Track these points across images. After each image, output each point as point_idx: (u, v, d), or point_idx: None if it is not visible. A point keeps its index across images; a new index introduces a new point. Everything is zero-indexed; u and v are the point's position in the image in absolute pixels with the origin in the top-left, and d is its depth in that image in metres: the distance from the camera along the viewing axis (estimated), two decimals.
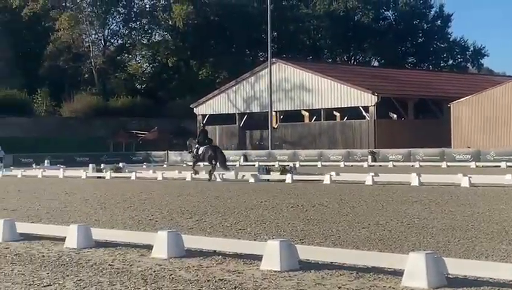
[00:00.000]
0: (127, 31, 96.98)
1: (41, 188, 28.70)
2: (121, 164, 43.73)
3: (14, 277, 8.99)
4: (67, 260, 10.28)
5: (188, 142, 34.18)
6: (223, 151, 33.39)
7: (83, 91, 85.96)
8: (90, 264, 9.83)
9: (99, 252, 10.92)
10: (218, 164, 31.30)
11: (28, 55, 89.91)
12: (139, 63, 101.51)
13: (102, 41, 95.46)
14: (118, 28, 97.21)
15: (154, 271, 9.24)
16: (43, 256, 10.69)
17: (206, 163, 32.21)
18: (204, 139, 32.76)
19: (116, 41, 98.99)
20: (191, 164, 35.25)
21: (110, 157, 64.30)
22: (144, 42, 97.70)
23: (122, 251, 11.06)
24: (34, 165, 54.37)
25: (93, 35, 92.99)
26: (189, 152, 34.09)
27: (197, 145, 32.05)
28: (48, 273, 9.16)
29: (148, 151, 70.18)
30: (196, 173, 32.22)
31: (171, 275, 8.98)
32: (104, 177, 37.25)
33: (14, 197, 23.59)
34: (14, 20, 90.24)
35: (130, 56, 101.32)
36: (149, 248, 10.80)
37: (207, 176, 31.25)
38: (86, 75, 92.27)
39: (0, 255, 10.86)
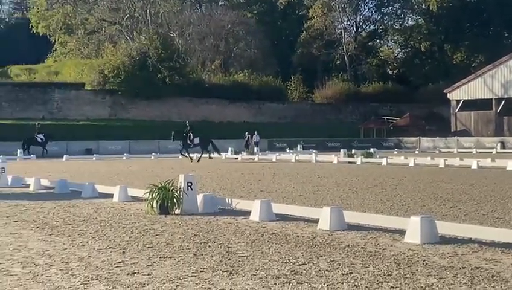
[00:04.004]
0: (379, 17, 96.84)
1: (295, 171, 29.55)
2: (372, 150, 43.80)
3: (271, 254, 9.31)
4: (321, 241, 10.46)
5: (173, 133, 40.71)
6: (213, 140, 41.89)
7: (335, 77, 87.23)
8: (343, 246, 9.91)
9: (351, 235, 10.98)
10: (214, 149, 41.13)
11: (283, 43, 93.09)
12: (391, 48, 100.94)
13: (354, 28, 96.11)
14: (370, 14, 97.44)
15: (407, 256, 9.09)
16: (298, 236, 10.96)
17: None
18: (193, 133, 40.25)
19: (368, 27, 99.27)
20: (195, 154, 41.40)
21: (361, 143, 64.77)
22: (396, 27, 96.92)
23: (374, 234, 11.03)
24: (287, 150, 56.24)
25: (345, 22, 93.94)
26: (173, 141, 41.24)
27: (192, 138, 39.83)
28: (302, 253, 9.37)
29: (400, 138, 69.67)
30: (191, 159, 39.76)
31: (425, 260, 8.78)
32: (355, 163, 37.56)
33: (270, 179, 24.51)
34: (270, 10, 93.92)
35: (382, 41, 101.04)
36: (401, 232, 10.67)
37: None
38: (338, 62, 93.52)
39: (258, 233, 11.32)
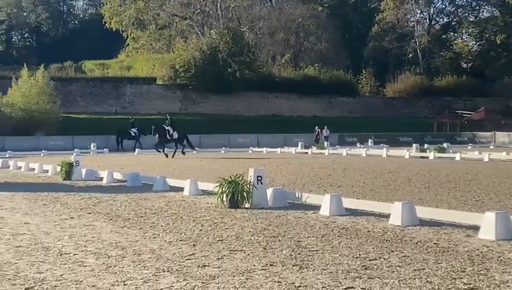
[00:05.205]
0: (453, 9, 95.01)
1: (365, 166, 29.27)
2: (445, 144, 43.10)
3: (341, 249, 9.23)
4: (392, 236, 10.32)
5: (153, 127, 38.94)
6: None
7: (407, 71, 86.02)
8: (415, 242, 9.76)
9: (423, 231, 10.81)
10: (188, 145, 39.37)
11: (354, 36, 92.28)
12: (465, 41, 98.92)
13: (427, 20, 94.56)
14: (443, 6, 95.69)
15: (481, 252, 8.88)
16: (368, 231, 10.85)
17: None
18: (173, 127, 38.71)
19: (441, 19, 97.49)
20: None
21: (434, 137, 63.76)
22: (471, 19, 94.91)
23: (447, 230, 10.83)
24: (358, 144, 55.81)
25: (418, 15, 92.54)
26: (154, 134, 38.86)
27: (171, 133, 38.23)
28: (373, 248, 9.26)
29: (474, 132, 68.28)
30: (167, 155, 37.90)
31: (500, 257, 8.57)
32: (427, 158, 36.98)
33: (340, 174, 24.35)
34: (341, 3, 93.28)
35: (456, 34, 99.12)
36: (475, 228, 10.46)
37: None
38: (410, 55, 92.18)
39: (328, 228, 11.24)
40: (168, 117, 40.42)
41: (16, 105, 55.52)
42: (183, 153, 38.54)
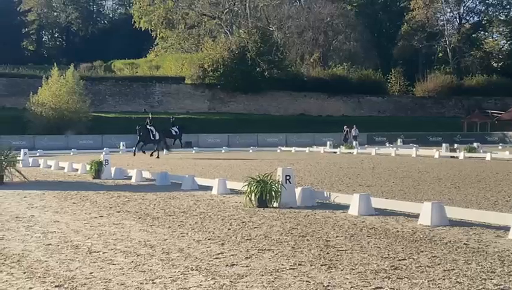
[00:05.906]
0: (483, 8, 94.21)
1: (394, 166, 29.12)
2: (475, 144, 42.74)
3: (369, 249, 9.19)
4: (421, 236, 10.25)
5: (138, 128, 37.88)
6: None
7: (437, 70, 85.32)
8: (444, 242, 9.68)
9: (453, 231, 10.72)
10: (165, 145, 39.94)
11: (383, 35, 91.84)
12: (495, 40, 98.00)
13: (458, 19, 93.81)
14: (473, 5, 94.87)
15: None
16: (397, 231, 10.78)
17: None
18: (155, 127, 38.29)
19: (472, 18, 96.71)
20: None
21: (464, 137, 63.24)
22: (502, 18, 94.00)
23: (477, 230, 10.74)
24: (387, 144, 55.52)
25: (448, 14, 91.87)
26: (138, 135, 37.75)
27: (154, 133, 37.78)
28: (402, 248, 9.21)
29: (504, 132, 67.57)
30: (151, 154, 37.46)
31: None
32: (457, 157, 36.70)
33: (369, 174, 24.24)
34: (370, 2, 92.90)
35: (486, 33, 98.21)
36: (506, 229, 10.36)
37: None
38: (440, 54, 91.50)
39: (357, 228, 11.20)
40: (150, 116, 39.64)
41: (46, 104, 56.04)
42: (154, 154, 37.54)
